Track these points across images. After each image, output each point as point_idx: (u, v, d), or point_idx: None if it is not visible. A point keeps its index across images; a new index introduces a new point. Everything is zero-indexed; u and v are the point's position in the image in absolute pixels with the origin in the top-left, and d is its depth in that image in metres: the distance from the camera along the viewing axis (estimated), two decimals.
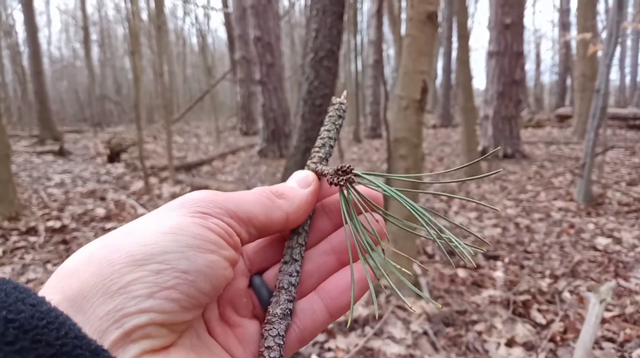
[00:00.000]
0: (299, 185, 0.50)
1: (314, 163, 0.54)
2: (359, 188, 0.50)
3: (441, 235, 0.46)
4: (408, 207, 0.46)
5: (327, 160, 0.55)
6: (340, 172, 0.49)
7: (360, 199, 0.49)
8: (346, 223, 0.49)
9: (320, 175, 0.53)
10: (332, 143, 0.56)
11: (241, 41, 14.08)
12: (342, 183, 0.49)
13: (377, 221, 0.50)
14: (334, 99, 0.58)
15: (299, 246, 0.49)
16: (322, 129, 0.57)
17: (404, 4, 18.14)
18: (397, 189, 0.48)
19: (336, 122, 0.57)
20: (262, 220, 0.45)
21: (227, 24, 18.41)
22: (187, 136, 17.09)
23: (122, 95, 28.90)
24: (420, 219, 0.46)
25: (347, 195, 0.49)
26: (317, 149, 0.55)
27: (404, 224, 0.51)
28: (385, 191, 0.49)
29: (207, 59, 21.75)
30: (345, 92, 0.60)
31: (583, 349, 1.57)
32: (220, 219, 0.41)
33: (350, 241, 0.48)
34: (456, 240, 0.46)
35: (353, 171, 0.49)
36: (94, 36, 30.72)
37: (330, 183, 0.50)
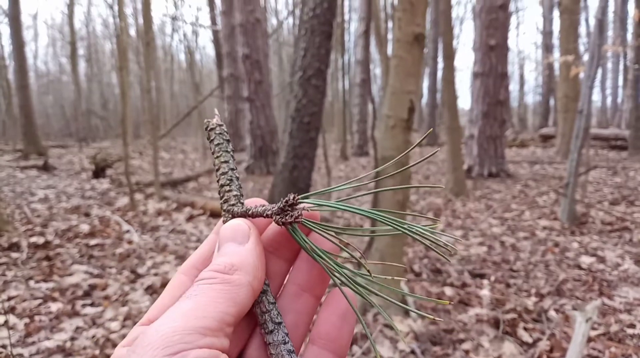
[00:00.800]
0: (238, 241, 0.43)
1: (232, 204, 0.48)
2: (307, 214, 0.45)
3: (401, 227, 0.46)
4: (361, 212, 0.46)
5: (242, 195, 0.49)
6: (287, 208, 0.44)
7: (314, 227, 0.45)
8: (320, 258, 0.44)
9: (251, 216, 0.47)
10: (236, 174, 0.50)
11: (229, 59, 14.14)
12: (295, 221, 0.44)
13: (337, 244, 0.45)
14: (211, 123, 0.51)
15: (273, 306, 0.44)
16: (217, 161, 0.50)
17: (390, 24, 18.43)
18: (342, 203, 0.47)
19: (228, 149, 0.51)
20: (233, 312, 0.38)
21: (216, 42, 18.50)
22: (174, 152, 17.02)
23: (108, 110, 28.73)
24: (383, 220, 0.46)
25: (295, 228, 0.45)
26: (226, 187, 0.49)
27: (359, 231, 0.49)
28: (333, 207, 0.46)
29: (195, 75, 21.78)
30: (216, 111, 0.55)
31: None
32: (197, 347, 0.35)
33: (321, 272, 0.46)
34: (427, 231, 0.46)
35: (298, 200, 0.44)
36: (81, 51, 30.61)
37: (281, 224, 0.44)
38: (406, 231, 0.45)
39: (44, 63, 37.44)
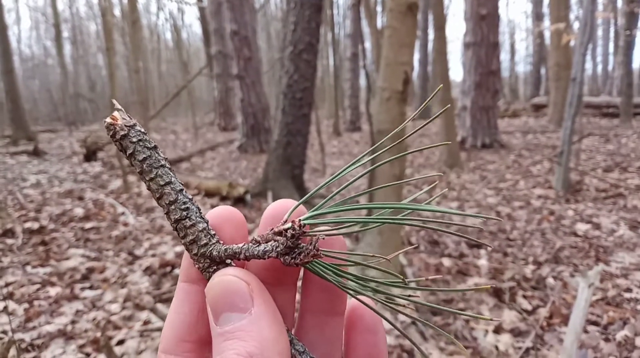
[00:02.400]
0: (240, 309, 0.34)
1: (205, 244, 0.37)
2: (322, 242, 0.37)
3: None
4: (377, 220, 0.38)
5: (207, 223, 0.38)
6: (296, 241, 0.35)
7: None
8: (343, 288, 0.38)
9: (243, 258, 0.37)
10: (188, 196, 0.38)
11: (217, 35, 13.92)
12: (314, 258, 0.35)
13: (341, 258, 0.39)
14: (117, 126, 0.37)
15: (306, 355, 0.38)
16: (152, 185, 0.37)
17: None
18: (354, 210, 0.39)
19: (161, 161, 0.38)
20: None
21: (202, 19, 18.19)
22: (165, 133, 16.88)
23: (96, 93, 28.37)
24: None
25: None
26: (185, 221, 0.37)
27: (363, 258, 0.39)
28: (343, 220, 0.38)
29: (183, 54, 21.48)
30: (115, 102, 0.38)
31: (574, 333, 1.59)
32: None
33: (337, 289, 0.39)
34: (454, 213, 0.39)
35: (303, 226, 0.35)
36: (65, 33, 30.03)
37: (295, 265, 0.36)
38: (423, 225, 0.39)
39: (28, 47, 36.76)
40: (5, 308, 2.93)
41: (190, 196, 0.38)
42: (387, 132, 3.19)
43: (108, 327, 2.82)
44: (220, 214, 0.39)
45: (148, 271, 3.65)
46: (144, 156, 0.37)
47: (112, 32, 7.87)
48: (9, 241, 4.35)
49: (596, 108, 14.76)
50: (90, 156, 9.79)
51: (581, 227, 4.46)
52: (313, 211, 0.38)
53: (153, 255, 4.00)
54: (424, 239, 4.29)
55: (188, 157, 10.10)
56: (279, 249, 0.36)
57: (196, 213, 0.38)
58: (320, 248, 0.35)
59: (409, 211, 0.39)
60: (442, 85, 0.48)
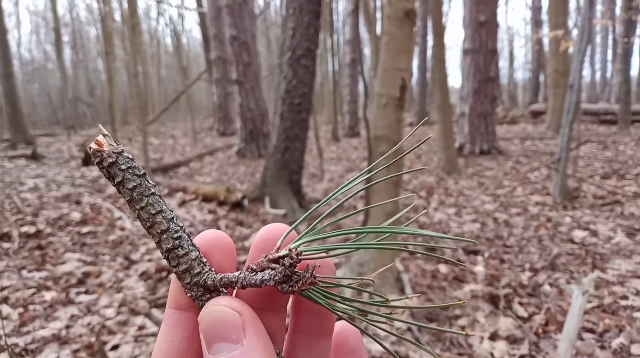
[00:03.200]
0: (232, 339, 0.34)
1: (198, 273, 0.37)
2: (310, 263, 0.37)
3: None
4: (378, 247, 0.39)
5: (199, 252, 0.38)
6: (292, 268, 0.35)
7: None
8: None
9: (237, 286, 0.37)
10: (180, 224, 0.38)
11: (216, 41, 13.96)
12: (311, 285, 0.35)
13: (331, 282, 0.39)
14: (104, 153, 0.36)
15: None
16: (143, 214, 0.36)
17: (379, 2, 18.25)
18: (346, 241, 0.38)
19: (151, 189, 0.37)
20: None
21: (202, 24, 18.24)
22: (163, 138, 16.88)
23: (95, 97, 28.37)
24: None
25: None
26: (178, 251, 0.37)
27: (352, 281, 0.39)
28: (342, 248, 0.38)
29: (182, 59, 21.51)
30: (101, 127, 0.38)
31: (568, 340, 1.59)
32: None
33: (325, 310, 0.39)
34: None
35: (300, 256, 0.36)
36: (65, 38, 30.09)
37: (293, 293, 0.36)
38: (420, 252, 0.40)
39: (28, 51, 36.79)
40: (0, 312, 2.91)
41: (181, 224, 0.37)
42: (384, 138, 3.20)
43: (103, 332, 2.81)
44: (209, 240, 0.39)
45: (144, 276, 3.64)
46: (134, 184, 0.36)
47: (111, 36, 7.90)
48: (5, 245, 4.34)
49: (594, 115, 14.79)
50: (88, 160, 9.78)
51: (578, 234, 4.46)
52: (306, 234, 0.38)
53: (149, 260, 3.99)
54: (422, 246, 4.28)
55: (186, 162, 10.10)
56: (276, 278, 0.35)
57: (188, 241, 0.37)
58: (315, 275, 0.35)
59: (390, 234, 0.40)
60: (427, 118, 0.48)
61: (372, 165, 0.44)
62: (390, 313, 0.38)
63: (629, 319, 2.83)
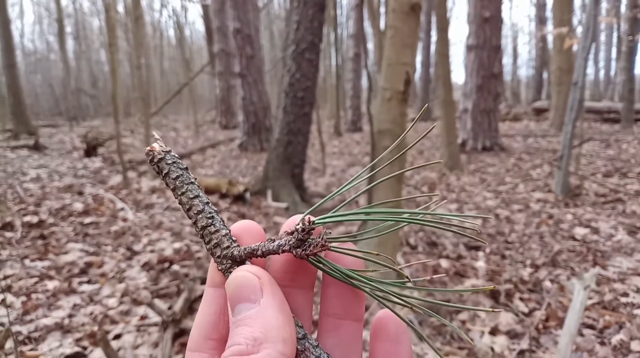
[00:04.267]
0: (251, 300, 0.37)
1: (227, 247, 0.41)
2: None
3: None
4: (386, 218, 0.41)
5: (229, 231, 0.42)
6: (306, 235, 0.38)
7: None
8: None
9: (260, 255, 0.40)
10: (213, 208, 0.43)
11: (220, 33, 13.93)
12: (322, 249, 0.38)
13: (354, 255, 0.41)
14: (156, 152, 0.43)
15: (318, 350, 0.40)
16: (184, 199, 0.42)
17: None
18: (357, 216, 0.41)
19: (191, 179, 0.43)
20: None
21: (205, 16, 18.19)
22: (165, 130, 16.88)
23: (98, 88, 28.36)
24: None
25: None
26: (210, 228, 0.41)
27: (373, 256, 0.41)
28: (351, 218, 0.41)
29: (185, 51, 21.48)
30: (155, 134, 0.44)
31: (568, 335, 1.60)
32: None
33: (354, 292, 0.42)
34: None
35: (315, 223, 0.38)
36: (68, 28, 30.05)
37: (305, 257, 0.39)
38: (428, 224, 0.43)
39: (31, 41, 36.75)
40: (3, 300, 2.93)
41: (215, 209, 0.43)
42: (387, 132, 3.20)
43: (105, 321, 2.83)
44: (241, 225, 0.43)
45: (146, 266, 3.65)
46: (177, 174, 0.42)
47: (115, 28, 7.87)
48: (8, 234, 4.35)
49: (597, 113, 14.76)
50: (90, 151, 9.80)
51: (579, 231, 4.47)
52: (321, 217, 0.41)
53: (152, 251, 4.00)
54: (422, 240, 4.30)
55: (188, 154, 10.11)
56: (291, 242, 0.39)
57: (220, 221, 0.42)
58: (327, 239, 0.38)
59: (406, 223, 0.43)
60: (426, 105, 0.49)
61: (376, 160, 0.47)
62: (411, 297, 0.41)
63: (629, 316, 2.84)
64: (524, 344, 2.50)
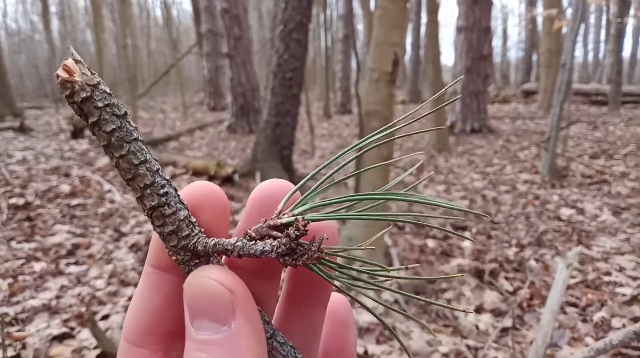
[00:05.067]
0: (219, 320, 0.30)
1: (187, 236, 0.32)
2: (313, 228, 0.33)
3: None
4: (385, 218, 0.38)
5: (188, 210, 0.33)
6: (298, 239, 0.31)
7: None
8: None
9: (233, 254, 0.33)
10: (166, 177, 0.32)
11: (207, 13, 13.73)
12: (319, 259, 0.32)
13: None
14: (77, 80, 0.29)
15: (287, 348, 0.35)
16: (123, 163, 0.30)
17: None
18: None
19: (133, 134, 0.31)
20: None
21: None
22: (153, 112, 16.72)
23: None
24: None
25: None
26: (163, 209, 0.31)
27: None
28: (346, 217, 0.35)
29: (172, 32, 21.19)
30: (74, 52, 0.30)
31: (550, 312, 1.63)
32: None
33: (321, 280, 0.36)
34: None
35: (307, 223, 0.32)
36: (53, 8, 29.43)
37: (298, 266, 0.32)
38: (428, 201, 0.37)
39: (14, 21, 35.99)
40: None
41: (168, 178, 0.32)
42: (375, 113, 3.19)
43: (93, 302, 2.83)
44: (198, 195, 0.34)
45: (134, 248, 3.65)
46: (113, 126, 0.30)
47: (100, 7, 7.75)
48: None
49: (585, 95, 14.84)
50: (77, 133, 9.68)
51: (565, 212, 4.52)
52: (310, 197, 0.34)
53: (139, 233, 3.99)
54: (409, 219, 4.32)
55: (176, 136, 10.03)
56: (279, 250, 0.31)
57: (175, 197, 0.32)
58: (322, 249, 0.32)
59: (388, 200, 0.37)
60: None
61: (362, 140, 0.38)
62: (386, 282, 0.37)
63: (611, 294, 2.90)
64: (507, 322, 2.54)
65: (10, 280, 3.07)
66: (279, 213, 0.33)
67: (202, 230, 0.33)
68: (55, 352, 2.37)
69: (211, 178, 5.83)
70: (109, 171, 6.28)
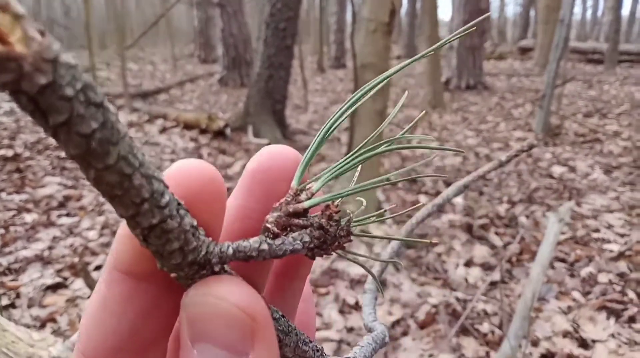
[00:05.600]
0: (237, 351, 0.24)
1: (198, 248, 0.24)
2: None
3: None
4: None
5: (188, 212, 0.23)
6: (330, 227, 0.27)
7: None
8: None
9: (249, 257, 0.26)
10: (161, 177, 0.22)
11: None
12: (342, 248, 0.28)
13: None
14: (28, 59, 0.15)
15: (291, 332, 0.29)
16: (110, 177, 0.20)
17: None
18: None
19: (116, 125, 0.19)
20: None
21: None
22: (142, 63, 16.36)
23: (71, 18, 27.11)
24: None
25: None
26: (167, 224, 0.22)
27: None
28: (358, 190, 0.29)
29: None
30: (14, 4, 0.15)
31: (540, 266, 1.65)
32: None
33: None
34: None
35: (338, 210, 0.27)
36: None
37: (320, 256, 0.28)
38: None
39: None
40: None
41: (163, 177, 0.23)
42: (371, 66, 3.13)
43: (85, 253, 2.83)
44: (192, 186, 0.25)
45: None
46: (94, 125, 0.18)
47: None
48: None
49: (582, 54, 14.68)
50: None
51: (557, 170, 4.54)
52: (326, 178, 0.29)
53: None
54: (402, 176, 4.33)
55: (166, 89, 9.85)
56: (312, 245, 0.27)
57: (174, 201, 0.23)
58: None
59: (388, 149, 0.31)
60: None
61: (356, 93, 0.32)
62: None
63: (599, 250, 2.95)
64: (497, 276, 2.59)
65: (1, 230, 3.06)
66: (295, 194, 0.28)
67: (204, 231, 0.25)
68: (49, 301, 2.39)
69: (203, 132, 5.76)
70: None
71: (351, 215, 0.28)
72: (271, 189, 0.29)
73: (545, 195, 3.90)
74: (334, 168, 0.29)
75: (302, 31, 15.90)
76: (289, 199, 0.27)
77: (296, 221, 0.27)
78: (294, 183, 0.28)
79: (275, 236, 0.26)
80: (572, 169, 4.54)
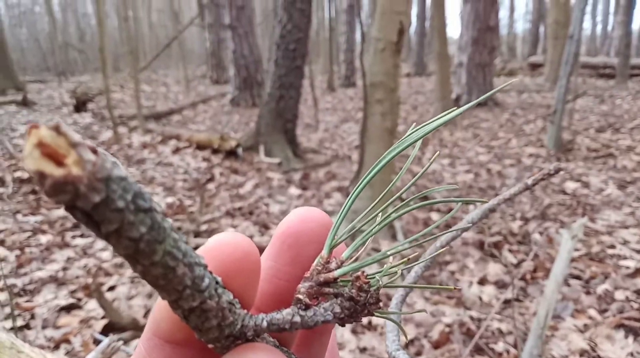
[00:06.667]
0: None
1: (235, 322, 0.26)
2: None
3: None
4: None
5: (225, 289, 0.25)
6: (362, 293, 0.28)
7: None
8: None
9: (282, 331, 0.28)
10: (202, 261, 0.24)
11: None
12: (370, 315, 0.29)
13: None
14: (83, 181, 0.16)
15: None
16: (156, 270, 0.21)
17: None
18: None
19: (162, 224, 0.21)
20: None
21: None
22: (155, 85, 16.61)
23: (85, 42, 27.68)
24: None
25: None
26: (206, 304, 0.24)
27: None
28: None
29: (174, 3, 20.88)
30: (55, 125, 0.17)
31: (555, 282, 1.63)
32: None
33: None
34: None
35: (365, 274, 0.28)
36: None
37: (349, 322, 0.29)
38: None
39: None
40: None
41: (203, 262, 0.24)
42: (380, 85, 3.15)
43: (99, 274, 2.85)
44: (227, 261, 0.26)
45: None
46: (143, 230, 0.19)
47: None
48: (0, 190, 4.34)
49: (593, 68, 14.63)
50: (80, 107, 9.64)
51: (570, 185, 4.50)
52: (355, 244, 0.30)
53: None
54: (414, 194, 4.32)
55: (179, 110, 9.98)
56: (342, 316, 0.28)
57: (214, 282, 0.24)
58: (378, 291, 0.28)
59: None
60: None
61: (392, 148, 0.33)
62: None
63: (615, 267, 2.90)
64: (509, 293, 2.56)
65: (17, 252, 3.10)
66: (326, 262, 0.29)
67: (239, 303, 0.27)
68: (63, 322, 2.41)
69: (215, 152, 5.82)
70: (112, 145, 6.28)
71: (380, 283, 0.28)
72: (301, 252, 0.30)
73: (559, 211, 3.87)
74: (365, 234, 0.31)
75: (312, 51, 16.08)
76: (319, 268, 0.29)
77: (327, 290, 0.28)
78: (324, 252, 0.29)
79: (307, 307, 0.28)
80: (586, 185, 4.50)
